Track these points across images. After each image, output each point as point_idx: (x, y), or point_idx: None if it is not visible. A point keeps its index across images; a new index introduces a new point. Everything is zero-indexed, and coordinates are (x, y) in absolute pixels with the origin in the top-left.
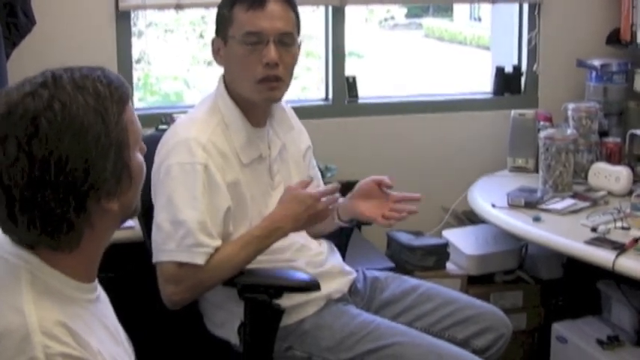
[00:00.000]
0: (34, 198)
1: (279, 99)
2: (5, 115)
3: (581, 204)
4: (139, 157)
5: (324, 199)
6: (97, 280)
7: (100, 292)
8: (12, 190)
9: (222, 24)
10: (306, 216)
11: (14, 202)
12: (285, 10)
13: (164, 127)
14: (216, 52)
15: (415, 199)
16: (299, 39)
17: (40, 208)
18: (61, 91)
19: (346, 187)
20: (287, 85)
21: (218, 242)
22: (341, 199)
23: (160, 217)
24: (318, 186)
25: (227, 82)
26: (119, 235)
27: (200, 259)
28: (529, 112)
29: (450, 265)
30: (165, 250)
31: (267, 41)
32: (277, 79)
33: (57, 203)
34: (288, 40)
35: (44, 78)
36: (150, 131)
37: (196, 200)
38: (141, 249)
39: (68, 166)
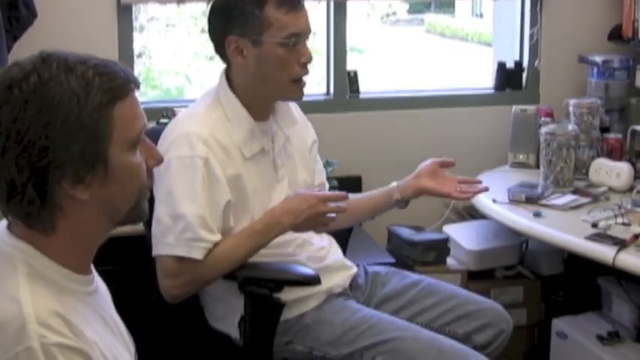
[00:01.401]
0: None
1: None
2: None
3: (582, 200)
4: (132, 158)
5: (332, 204)
6: (94, 273)
7: (99, 285)
8: None
9: (252, 24)
10: (307, 214)
11: None
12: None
13: (165, 120)
14: (236, 51)
15: (477, 182)
16: None
17: (1, 177)
18: (45, 67)
19: (348, 182)
20: None
21: (217, 237)
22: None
23: (159, 210)
24: (322, 182)
25: (232, 78)
26: (122, 228)
27: (198, 254)
28: (530, 108)
29: (450, 261)
30: (164, 243)
31: (302, 41)
32: (304, 78)
33: (15, 173)
34: (309, 38)
35: (38, 54)
36: (151, 125)
37: (196, 194)
38: (143, 242)
39: (27, 137)
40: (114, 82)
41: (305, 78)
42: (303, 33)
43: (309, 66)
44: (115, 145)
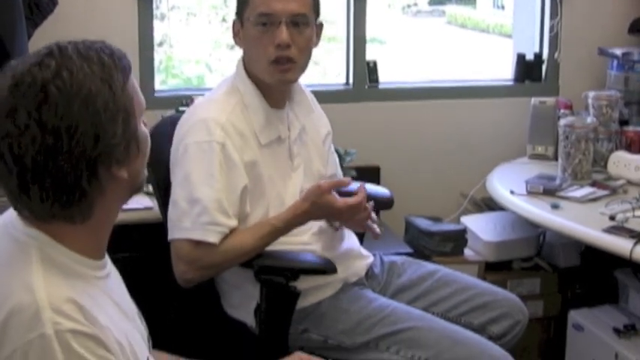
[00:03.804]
0: (46, 166)
1: (292, 80)
2: (12, 86)
3: (600, 192)
4: (144, 127)
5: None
6: (107, 257)
7: (111, 270)
8: (23, 159)
9: (240, 5)
10: (328, 218)
11: (26, 172)
12: None
13: (184, 108)
14: (235, 34)
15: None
16: (319, 20)
17: (52, 177)
18: (68, 60)
19: (366, 172)
20: (301, 67)
21: (234, 222)
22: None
23: (176, 194)
24: (334, 174)
25: (245, 63)
26: (139, 215)
27: (214, 238)
28: (549, 100)
29: (467, 252)
30: (180, 227)
31: (279, 22)
32: (289, 61)
33: (69, 170)
34: (301, 22)
35: (49, 49)
36: (170, 113)
37: (213, 178)
38: (160, 229)
39: (78, 132)
40: (121, 60)
41: (289, 61)
42: (276, 14)
43: (294, 50)
44: (137, 119)
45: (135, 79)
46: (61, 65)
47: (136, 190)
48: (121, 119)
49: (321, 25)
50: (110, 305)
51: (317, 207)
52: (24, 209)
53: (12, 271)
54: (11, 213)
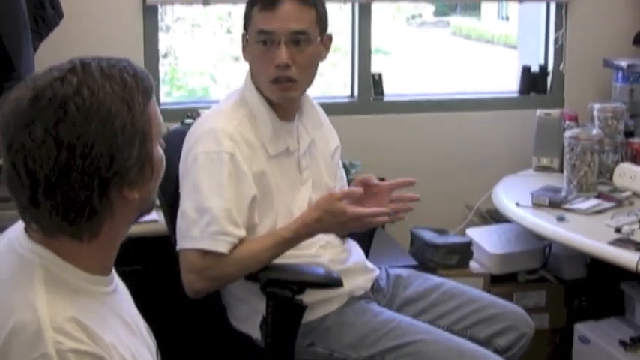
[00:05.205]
0: (59, 183)
1: (293, 98)
2: (33, 99)
3: (606, 204)
4: (160, 150)
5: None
6: (114, 272)
7: (118, 285)
8: (37, 174)
9: (245, 21)
10: (337, 228)
11: (38, 187)
12: (299, 9)
13: (189, 121)
14: (243, 48)
15: (410, 184)
16: (327, 33)
17: (63, 193)
18: (90, 77)
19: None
20: (303, 85)
21: (243, 232)
22: None
23: (185, 204)
24: (343, 186)
25: (253, 76)
26: (145, 228)
27: (223, 248)
28: (555, 112)
29: (473, 264)
30: (189, 237)
31: (278, 42)
32: (289, 80)
33: (81, 189)
34: (301, 39)
35: (72, 65)
36: (175, 126)
37: (222, 188)
38: (167, 242)
39: (94, 152)
40: (144, 81)
41: (290, 80)
42: (275, 33)
43: (294, 69)
44: (154, 142)
45: (155, 103)
46: (82, 82)
47: (145, 211)
48: (137, 142)
49: (330, 38)
50: (116, 321)
51: (329, 214)
52: (32, 222)
53: (15, 289)
54: (17, 229)
